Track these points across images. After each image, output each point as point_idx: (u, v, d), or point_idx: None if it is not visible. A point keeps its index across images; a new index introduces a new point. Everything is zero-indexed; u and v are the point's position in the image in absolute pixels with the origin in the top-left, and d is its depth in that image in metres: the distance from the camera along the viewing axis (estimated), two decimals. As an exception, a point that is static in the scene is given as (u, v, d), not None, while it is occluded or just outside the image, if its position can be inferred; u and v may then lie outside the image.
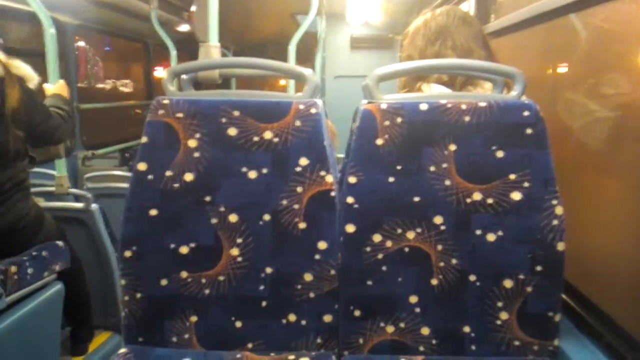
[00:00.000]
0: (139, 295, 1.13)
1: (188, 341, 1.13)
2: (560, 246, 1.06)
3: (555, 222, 1.06)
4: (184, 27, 4.10)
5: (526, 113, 1.07)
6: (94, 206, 2.24)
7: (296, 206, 1.10)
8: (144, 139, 1.12)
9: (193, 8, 1.82)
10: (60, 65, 2.24)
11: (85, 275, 2.11)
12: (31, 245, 1.67)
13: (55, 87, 2.10)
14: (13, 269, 1.46)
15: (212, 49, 1.67)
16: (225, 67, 1.48)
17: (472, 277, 1.09)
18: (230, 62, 1.40)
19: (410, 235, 1.09)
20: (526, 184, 1.07)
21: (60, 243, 1.74)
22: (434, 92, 1.30)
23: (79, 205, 2.25)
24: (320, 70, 4.18)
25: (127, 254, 1.12)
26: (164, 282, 1.12)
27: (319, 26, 4.00)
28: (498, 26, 1.77)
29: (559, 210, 1.06)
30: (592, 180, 1.31)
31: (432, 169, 1.09)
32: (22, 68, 1.85)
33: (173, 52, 3.45)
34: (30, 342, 1.54)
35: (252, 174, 1.11)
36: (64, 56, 3.08)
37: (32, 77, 1.87)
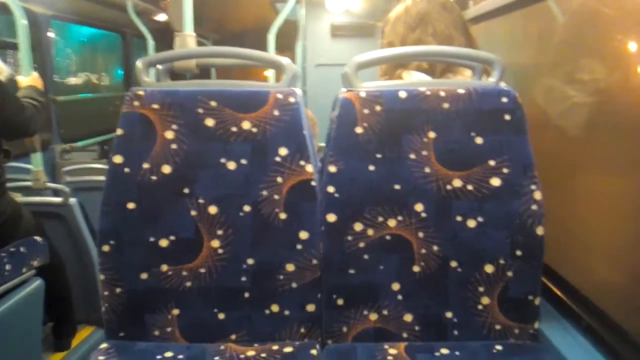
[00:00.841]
0: (119, 289, 1.11)
1: (170, 334, 1.12)
2: (540, 231, 1.08)
3: (534, 207, 1.07)
4: (161, 17, 4.03)
5: (504, 99, 1.08)
6: (73, 200, 2.20)
7: (276, 196, 1.09)
8: (119, 131, 1.10)
9: None
10: (34, 56, 2.19)
11: (66, 270, 2.08)
12: (9, 241, 1.63)
13: (29, 79, 2.05)
14: None
15: (187, 39, 1.64)
16: (200, 56, 1.46)
17: (454, 263, 1.10)
18: (206, 51, 1.39)
19: (392, 223, 1.09)
20: (505, 170, 1.08)
21: (38, 238, 1.71)
22: (413, 80, 1.30)
23: (57, 199, 2.21)
24: (301, 59, 4.15)
25: (106, 248, 1.10)
26: (144, 275, 1.11)
27: (298, 14, 3.96)
28: (477, 12, 1.77)
29: (537, 195, 1.07)
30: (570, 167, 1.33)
31: (412, 156, 1.09)
32: None
33: (150, 42, 3.39)
34: (11, 339, 1.52)
35: (231, 165, 1.10)
36: (38, 47, 3.01)
37: (1, 70, 1.83)
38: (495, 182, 1.08)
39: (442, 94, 1.09)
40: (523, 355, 1.05)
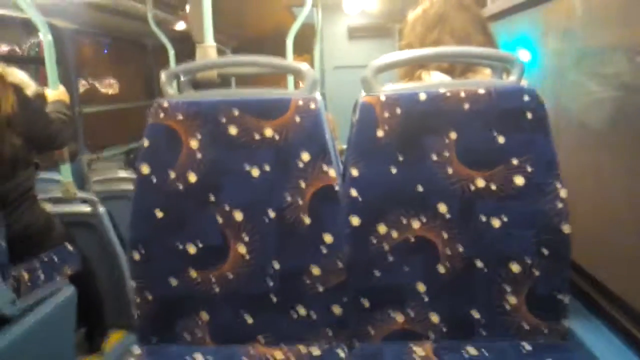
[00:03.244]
0: (150, 296, 1.14)
1: (201, 338, 1.15)
2: (566, 229, 1.07)
3: (559, 204, 1.06)
4: (180, 25, 4.09)
5: (526, 97, 1.07)
6: (101, 209, 2.25)
7: (300, 201, 1.11)
8: (145, 142, 1.13)
9: (187, 8, 1.83)
10: (59, 70, 2.24)
11: (96, 277, 2.13)
12: (41, 251, 1.69)
13: (56, 93, 2.11)
14: (25, 274, 1.48)
15: (209, 49, 1.67)
16: (222, 66, 1.49)
17: (479, 263, 1.09)
18: (226, 61, 1.41)
19: (416, 224, 1.10)
20: (529, 169, 1.07)
21: (69, 247, 1.76)
22: (433, 80, 1.30)
23: (87, 209, 2.27)
24: (319, 62, 4.17)
25: (136, 256, 1.13)
26: (173, 282, 1.13)
27: (315, 17, 3.98)
28: (496, 9, 1.76)
29: (562, 193, 1.06)
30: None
31: (434, 157, 1.09)
32: (17, 76, 1.85)
33: (171, 52, 3.45)
34: (46, 345, 1.56)
35: (255, 172, 1.12)
36: (63, 61, 3.09)
37: (28, 85, 1.88)
38: (519, 180, 1.07)
39: (462, 94, 1.09)
40: (553, 354, 1.04)
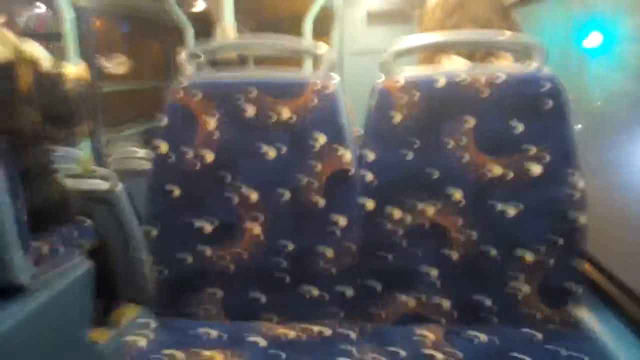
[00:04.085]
0: (165, 271, 1.16)
1: (213, 314, 1.17)
2: (582, 219, 1.06)
3: (576, 194, 1.06)
4: (199, 7, 4.08)
5: (547, 84, 1.06)
6: (119, 186, 2.29)
7: (315, 183, 1.12)
8: (164, 121, 1.14)
9: None
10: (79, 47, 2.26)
11: (113, 252, 2.17)
12: (59, 225, 1.72)
13: (77, 69, 2.12)
14: (44, 248, 1.51)
15: (227, 29, 1.67)
16: (241, 47, 1.49)
17: (492, 251, 1.09)
18: (246, 43, 1.41)
19: (430, 210, 1.10)
20: (546, 157, 1.06)
21: (87, 221, 1.79)
22: (453, 65, 1.29)
23: (105, 185, 2.30)
24: (338, 47, 4.13)
25: (152, 232, 1.15)
26: (188, 258, 1.16)
27: (334, 1, 3.94)
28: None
29: (580, 182, 1.06)
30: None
31: (450, 144, 1.08)
32: (35, 49, 1.86)
33: (190, 31, 3.45)
34: (62, 318, 1.61)
35: (271, 153, 1.12)
36: (82, 39, 3.11)
37: (45, 58, 1.89)
38: (536, 169, 1.07)
39: (482, 80, 1.08)
40: (563, 343, 1.04)
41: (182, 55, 1.17)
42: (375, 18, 5.61)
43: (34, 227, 1.68)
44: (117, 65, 3.03)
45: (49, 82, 1.80)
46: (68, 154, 2.42)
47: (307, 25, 2.86)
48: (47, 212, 1.79)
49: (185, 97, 1.13)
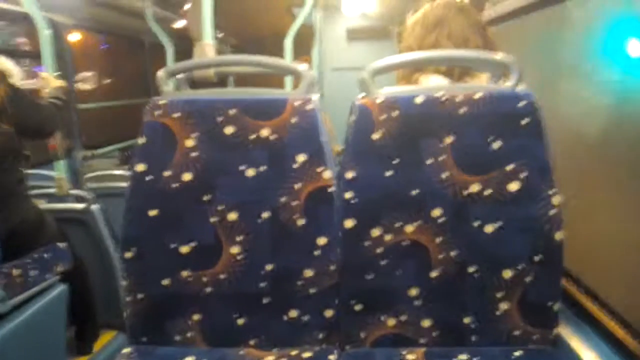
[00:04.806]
0: (141, 295, 1.13)
1: (192, 339, 1.14)
2: (558, 235, 1.07)
3: (552, 211, 1.06)
4: (180, 24, 4.08)
5: (522, 103, 1.07)
6: (95, 207, 2.24)
7: (295, 203, 1.10)
8: (141, 140, 1.12)
9: (187, 6, 1.82)
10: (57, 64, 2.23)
11: (89, 275, 2.12)
12: (32, 248, 1.67)
13: (55, 85, 2.10)
14: (16, 272, 1.47)
15: (207, 48, 1.66)
16: (219, 65, 1.48)
17: (472, 269, 1.09)
18: (225, 60, 1.41)
19: (409, 228, 1.09)
20: (523, 174, 1.07)
21: (61, 244, 1.75)
22: (431, 84, 1.30)
23: (80, 206, 2.26)
24: (317, 63, 4.16)
25: (128, 254, 1.12)
26: (165, 281, 1.13)
27: (314, 18, 3.98)
28: (493, 14, 1.76)
29: (556, 199, 1.06)
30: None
31: (429, 161, 1.09)
32: (3, 64, 1.85)
33: (169, 50, 3.44)
34: (36, 343, 1.55)
35: (250, 172, 1.11)
36: (60, 56, 3.07)
37: (13, 72, 1.88)
38: (514, 186, 1.07)
39: (459, 98, 1.09)
40: None
41: (160, 73, 1.15)
42: (354, 34, 5.69)
43: (8, 251, 1.63)
44: (85, 80, 2.97)
45: (20, 95, 1.78)
46: (43, 174, 2.37)
47: (288, 44, 2.88)
48: (21, 234, 1.75)
49: (163, 115, 1.12)
